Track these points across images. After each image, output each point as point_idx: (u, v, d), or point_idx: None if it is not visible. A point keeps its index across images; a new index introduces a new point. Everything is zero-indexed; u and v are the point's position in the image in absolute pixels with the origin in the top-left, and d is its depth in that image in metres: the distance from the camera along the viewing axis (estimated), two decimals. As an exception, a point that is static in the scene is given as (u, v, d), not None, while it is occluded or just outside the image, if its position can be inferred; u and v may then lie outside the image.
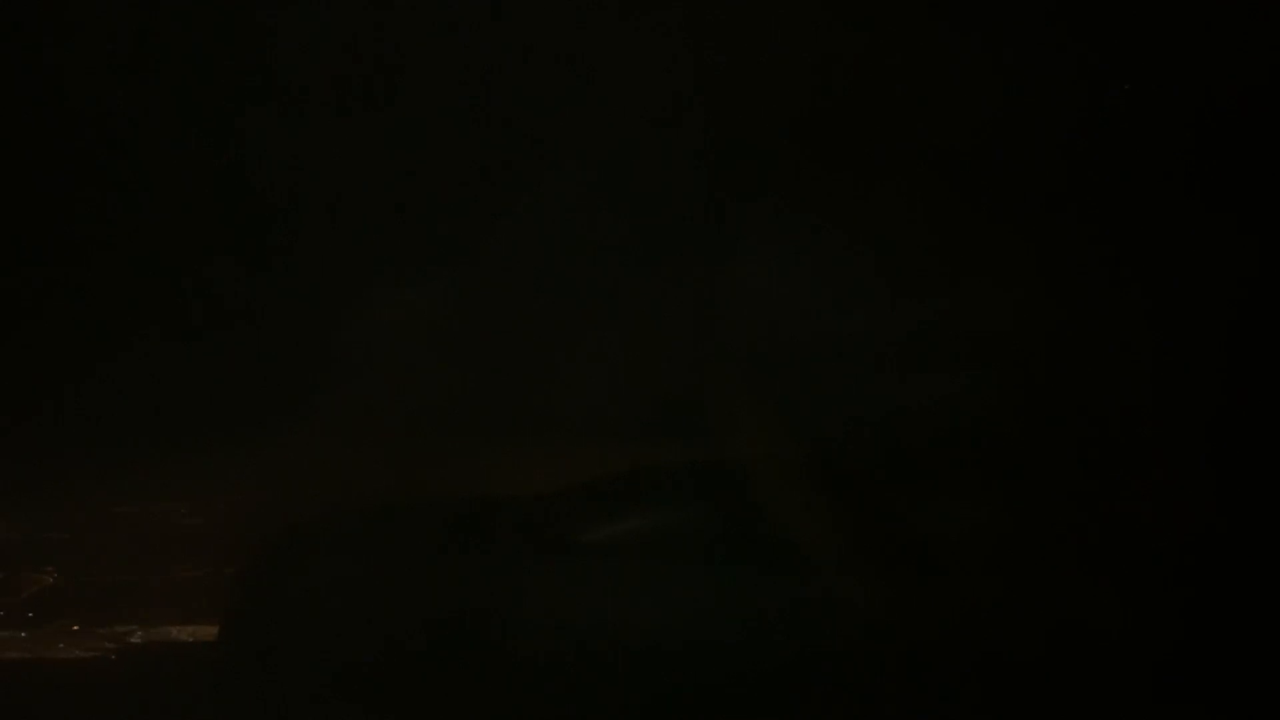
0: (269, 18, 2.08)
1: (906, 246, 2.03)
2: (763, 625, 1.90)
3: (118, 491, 2.22)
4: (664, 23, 2.08)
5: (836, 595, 1.92)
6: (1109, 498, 1.96)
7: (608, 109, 2.09)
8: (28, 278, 2.17)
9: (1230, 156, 1.92)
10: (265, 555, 2.06)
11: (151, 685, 2.07)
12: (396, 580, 2.02)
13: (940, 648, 1.88)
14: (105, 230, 2.17)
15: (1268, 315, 1.94)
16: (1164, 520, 1.92)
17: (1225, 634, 1.87)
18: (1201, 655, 1.86)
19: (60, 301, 2.18)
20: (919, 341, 2.02)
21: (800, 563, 1.93)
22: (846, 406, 2.01)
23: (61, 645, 2.14)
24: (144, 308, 2.17)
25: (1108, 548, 1.93)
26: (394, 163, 2.13)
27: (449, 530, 2.05)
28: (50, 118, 2.09)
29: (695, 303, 2.09)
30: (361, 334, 2.09)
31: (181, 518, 2.23)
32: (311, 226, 2.10)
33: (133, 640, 2.15)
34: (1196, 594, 1.88)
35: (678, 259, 2.09)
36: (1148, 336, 1.99)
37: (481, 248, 2.11)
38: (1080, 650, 1.88)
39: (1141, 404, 1.96)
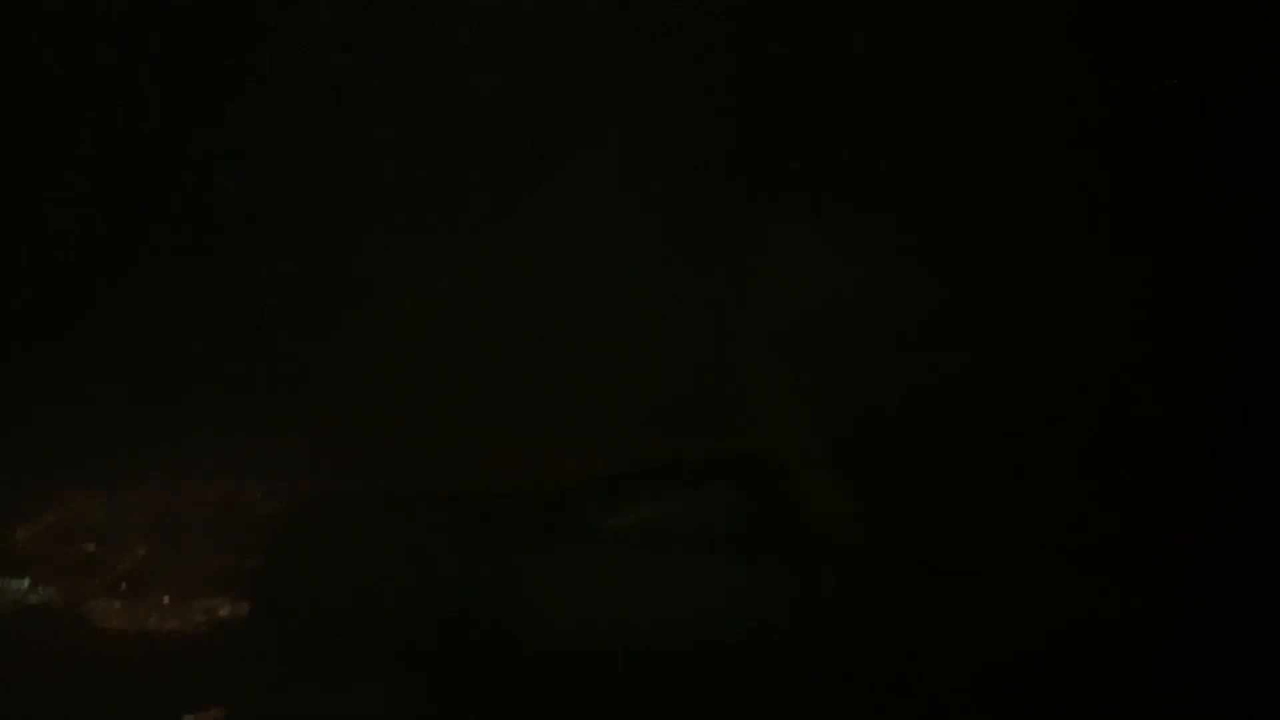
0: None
1: (929, 230, 2.04)
2: (787, 617, 1.97)
3: (197, 473, 2.37)
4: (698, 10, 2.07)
5: (862, 588, 1.97)
6: (1132, 488, 1.97)
7: (637, 97, 2.11)
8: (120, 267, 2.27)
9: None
10: (298, 537, 2.17)
11: (239, 658, 2.23)
12: (421, 566, 2.09)
13: (967, 641, 1.93)
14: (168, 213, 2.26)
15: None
16: (1179, 512, 1.94)
17: (1238, 624, 1.90)
18: (1215, 645, 1.89)
19: (134, 287, 2.29)
20: (946, 327, 2.05)
21: (827, 555, 1.99)
22: (875, 395, 2.05)
23: (154, 618, 2.31)
24: (200, 290, 2.26)
25: (1130, 539, 1.95)
26: (428, 149, 2.18)
27: (476, 517, 2.12)
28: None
29: (725, 293, 2.13)
30: (393, 320, 2.17)
31: (256, 502, 2.38)
32: (347, 211, 2.17)
33: (220, 614, 2.31)
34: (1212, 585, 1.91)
35: (706, 250, 2.12)
36: (1164, 323, 1.99)
37: (509, 238, 2.16)
38: (1099, 643, 1.91)
39: (1158, 392, 1.97)
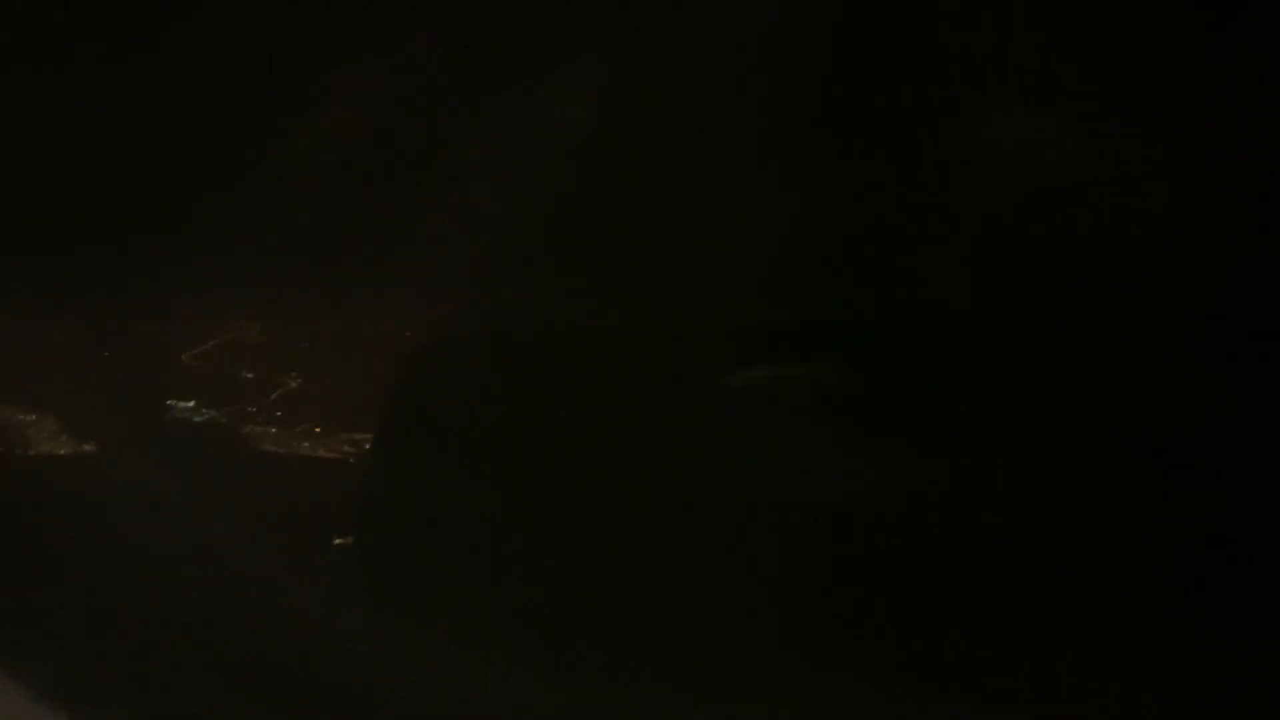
0: None
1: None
2: (894, 492, 2.00)
3: (347, 309, 2.49)
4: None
5: (978, 472, 1.98)
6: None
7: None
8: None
9: None
10: (437, 371, 2.27)
11: (380, 486, 2.36)
12: (551, 402, 2.16)
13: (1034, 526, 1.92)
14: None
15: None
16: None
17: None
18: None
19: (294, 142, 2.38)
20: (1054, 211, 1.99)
21: (946, 434, 1.98)
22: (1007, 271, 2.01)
23: (306, 444, 2.46)
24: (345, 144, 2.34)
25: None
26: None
27: (606, 360, 2.19)
28: None
29: (870, 161, 2.10)
30: (515, 156, 2.20)
31: (398, 339, 2.49)
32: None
33: (364, 444, 2.45)
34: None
35: (865, 111, 2.08)
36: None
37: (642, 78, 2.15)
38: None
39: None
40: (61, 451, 2.46)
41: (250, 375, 2.57)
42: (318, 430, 2.50)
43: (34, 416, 2.52)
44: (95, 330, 2.63)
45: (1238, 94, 1.97)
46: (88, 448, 2.45)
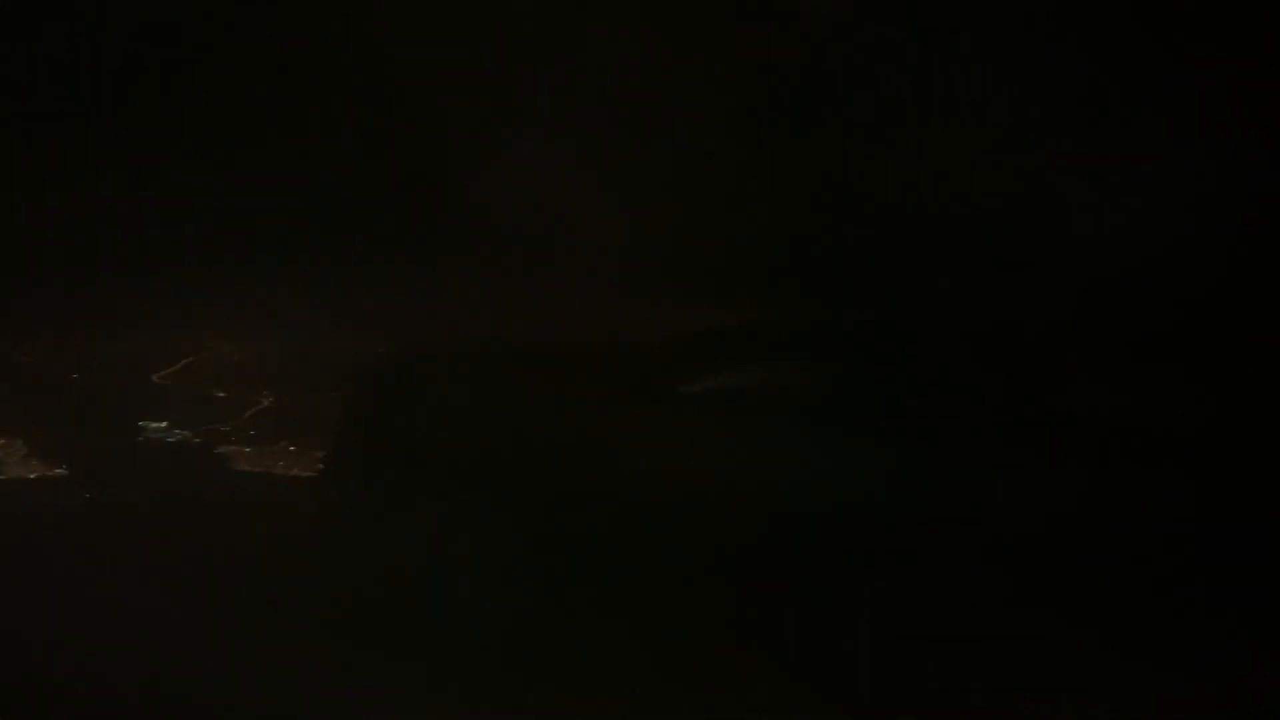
0: None
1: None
2: (858, 489, 1.99)
3: (322, 326, 2.49)
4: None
5: (937, 467, 1.97)
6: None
7: None
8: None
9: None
10: (383, 385, 2.30)
11: (353, 498, 2.36)
12: (497, 411, 2.17)
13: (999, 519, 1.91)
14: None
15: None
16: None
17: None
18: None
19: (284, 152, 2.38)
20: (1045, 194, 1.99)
21: (907, 431, 1.99)
22: (974, 276, 2.02)
23: (281, 463, 2.46)
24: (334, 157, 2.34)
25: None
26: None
27: (569, 371, 2.19)
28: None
29: (830, 165, 2.10)
30: (494, 186, 2.21)
31: (368, 354, 2.50)
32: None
33: (337, 459, 2.45)
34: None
35: (823, 124, 2.09)
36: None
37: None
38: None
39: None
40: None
41: (223, 395, 2.57)
42: (292, 448, 2.50)
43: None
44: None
45: (1186, 105, 1.99)
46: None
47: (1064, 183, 2.00)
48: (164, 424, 2.49)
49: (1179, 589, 1.82)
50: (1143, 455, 1.95)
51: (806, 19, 2.14)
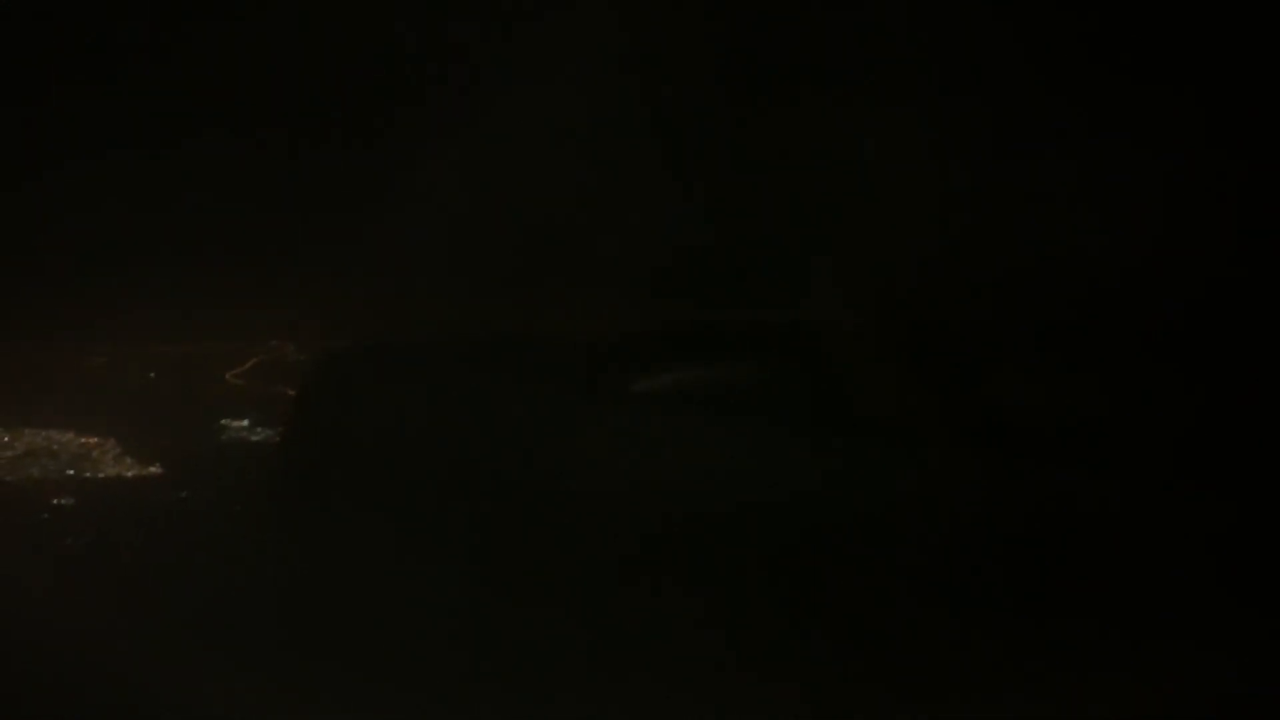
0: None
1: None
2: (807, 487, 2.01)
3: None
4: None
5: (885, 463, 2.02)
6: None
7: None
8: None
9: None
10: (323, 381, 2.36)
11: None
12: (440, 413, 2.18)
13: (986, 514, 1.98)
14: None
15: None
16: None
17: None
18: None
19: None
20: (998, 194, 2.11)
21: (855, 428, 2.04)
22: (921, 273, 2.12)
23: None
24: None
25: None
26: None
27: (519, 368, 2.21)
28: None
29: (775, 162, 2.20)
30: (440, 178, 2.23)
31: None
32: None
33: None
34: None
35: (767, 119, 2.19)
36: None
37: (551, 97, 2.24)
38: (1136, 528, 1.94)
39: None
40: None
41: (291, 392, 2.69)
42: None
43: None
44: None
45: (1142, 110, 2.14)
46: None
47: (1018, 180, 2.10)
48: (245, 422, 2.62)
49: (1157, 588, 1.87)
50: (1108, 455, 2.02)
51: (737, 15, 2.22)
